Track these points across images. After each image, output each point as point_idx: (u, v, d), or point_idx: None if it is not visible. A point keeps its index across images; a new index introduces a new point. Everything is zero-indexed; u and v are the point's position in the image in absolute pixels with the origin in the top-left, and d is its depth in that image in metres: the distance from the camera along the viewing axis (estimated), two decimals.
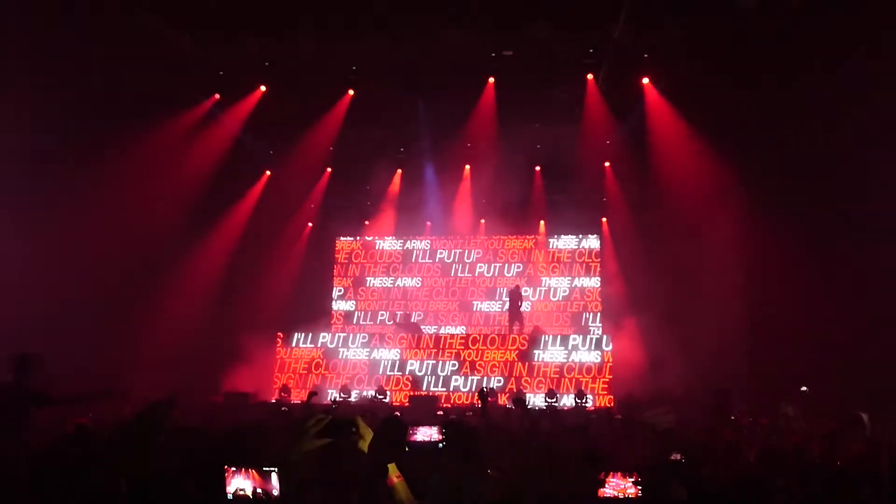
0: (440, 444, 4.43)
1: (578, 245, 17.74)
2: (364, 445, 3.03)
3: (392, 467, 2.95)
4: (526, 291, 16.98)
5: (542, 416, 9.99)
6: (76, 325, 11.70)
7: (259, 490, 3.23)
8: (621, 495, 3.91)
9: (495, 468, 4.27)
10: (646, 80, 14.27)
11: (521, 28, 12.89)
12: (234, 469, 3.31)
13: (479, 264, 17.99)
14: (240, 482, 3.28)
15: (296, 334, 15.42)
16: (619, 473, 3.97)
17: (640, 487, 3.89)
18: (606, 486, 3.96)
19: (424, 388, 14.26)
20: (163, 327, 13.91)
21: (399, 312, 17.81)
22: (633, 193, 16.90)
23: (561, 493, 4.16)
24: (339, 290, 18.35)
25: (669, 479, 4.14)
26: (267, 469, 3.24)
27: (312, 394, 11.06)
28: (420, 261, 18.22)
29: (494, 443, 5.74)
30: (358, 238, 18.75)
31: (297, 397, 13.77)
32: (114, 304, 12.90)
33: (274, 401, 13.79)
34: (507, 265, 17.88)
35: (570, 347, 14.28)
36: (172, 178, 14.42)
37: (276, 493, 3.21)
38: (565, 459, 4.83)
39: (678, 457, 4.73)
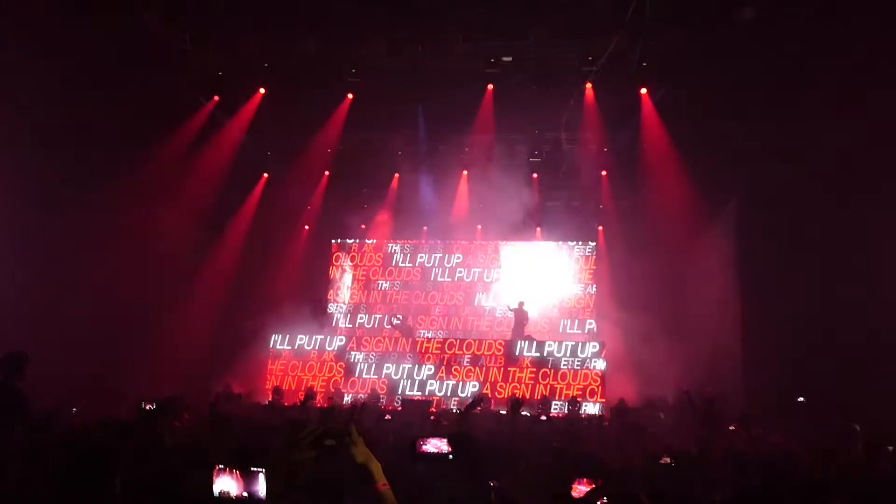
0: (450, 456, 4.42)
1: (574, 252, 17.77)
2: (356, 452, 2.98)
3: (379, 474, 2.90)
4: (526, 304, 16.93)
5: (536, 422, 9.99)
6: (87, 331, 11.74)
7: (245, 493, 3.16)
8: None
9: (496, 478, 4.28)
10: (643, 91, 14.38)
11: (521, 35, 12.96)
12: (220, 468, 3.24)
13: (468, 269, 17.97)
14: (225, 483, 3.23)
15: (273, 336, 15.32)
16: (585, 480, 3.93)
17: (604, 496, 3.85)
18: (573, 492, 3.93)
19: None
20: (167, 334, 13.99)
21: (388, 315, 17.77)
22: (628, 202, 16.97)
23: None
24: (336, 292, 18.32)
25: (636, 491, 4.13)
26: (254, 469, 3.16)
27: (309, 396, 11.02)
28: (416, 264, 18.21)
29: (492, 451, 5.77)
30: (355, 241, 18.75)
31: (289, 399, 13.73)
32: (123, 314, 12.97)
33: (267, 402, 13.75)
34: (503, 270, 17.88)
35: (563, 354, 14.26)
36: (181, 186, 14.56)
37: (261, 494, 3.11)
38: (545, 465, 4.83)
39: (667, 460, 4.74)
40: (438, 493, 3.60)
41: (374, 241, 18.67)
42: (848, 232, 11.73)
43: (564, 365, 14.03)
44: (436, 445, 5.15)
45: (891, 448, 6.76)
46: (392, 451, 5.34)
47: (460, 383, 14.14)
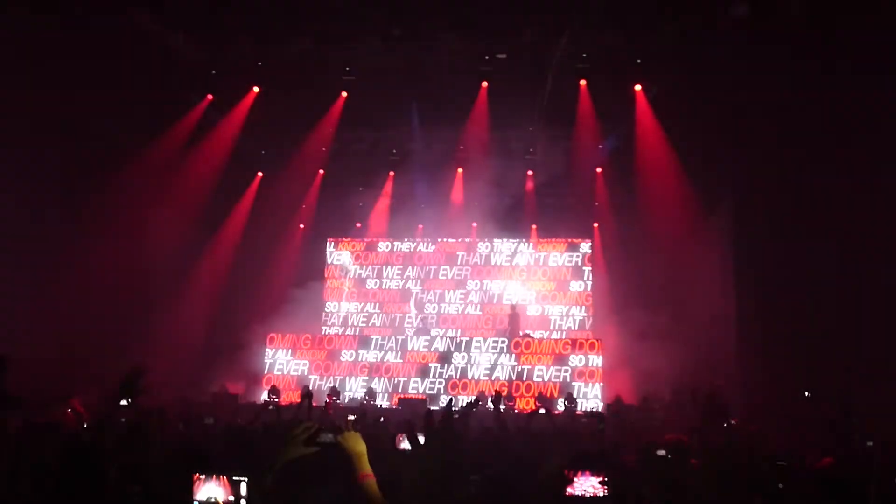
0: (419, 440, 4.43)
1: (570, 249, 17.76)
2: (346, 444, 3.02)
3: (365, 465, 2.96)
4: (524, 300, 16.90)
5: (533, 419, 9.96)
6: (81, 331, 11.71)
7: (231, 497, 3.23)
8: (588, 494, 3.90)
9: (477, 472, 4.28)
10: (638, 87, 14.40)
11: (515, 32, 12.96)
12: (203, 477, 3.30)
13: (463, 266, 17.96)
14: (211, 489, 3.28)
15: (269, 335, 15.17)
16: (588, 472, 3.95)
17: (606, 486, 3.89)
18: (574, 484, 3.95)
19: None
20: (162, 334, 13.96)
21: (395, 314, 17.78)
22: (623, 199, 16.98)
23: (529, 491, 4.16)
24: (331, 291, 18.28)
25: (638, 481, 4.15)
26: (237, 478, 3.25)
27: (306, 395, 10.91)
28: (412, 263, 18.18)
29: (483, 446, 5.77)
30: (349, 240, 18.73)
31: (286, 399, 13.70)
32: (117, 314, 12.94)
33: (263, 401, 13.71)
34: (497, 268, 17.84)
35: (559, 352, 14.25)
36: (175, 186, 14.55)
37: (244, 502, 3.22)
38: (538, 460, 4.83)
39: (663, 453, 4.75)
40: (413, 484, 3.63)
41: (369, 239, 18.65)
42: (846, 228, 11.74)
43: (577, 364, 13.97)
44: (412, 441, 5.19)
45: (870, 444, 6.77)
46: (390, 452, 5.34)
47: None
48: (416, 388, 14.22)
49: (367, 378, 14.52)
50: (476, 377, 14.15)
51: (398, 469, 3.87)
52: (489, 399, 12.91)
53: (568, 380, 13.82)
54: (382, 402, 13.97)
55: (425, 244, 18.20)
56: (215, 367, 14.68)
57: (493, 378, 14.04)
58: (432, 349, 14.68)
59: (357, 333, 16.90)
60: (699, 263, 15.17)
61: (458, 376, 14.18)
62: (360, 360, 14.78)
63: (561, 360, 14.08)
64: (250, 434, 6.43)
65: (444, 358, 14.43)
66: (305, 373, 14.77)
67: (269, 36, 13.33)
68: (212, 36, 13.49)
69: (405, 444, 5.33)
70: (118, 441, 4.71)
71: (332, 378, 14.61)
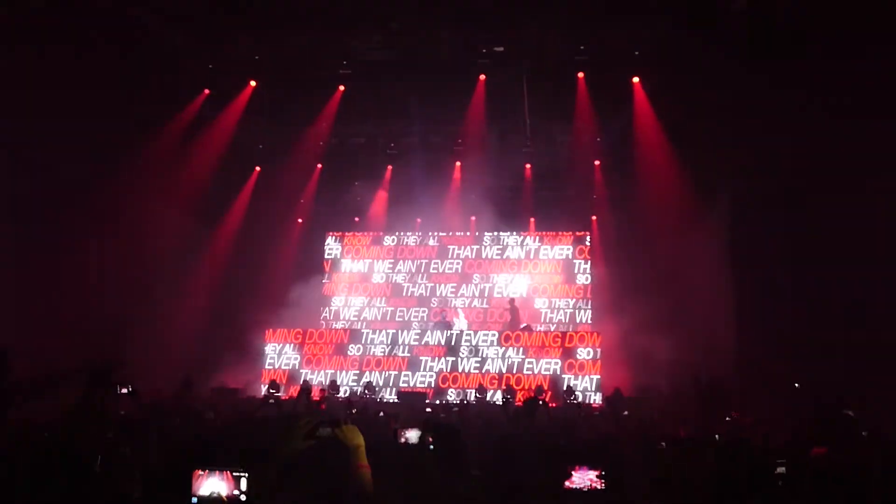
0: (430, 446, 4.47)
1: (568, 242, 17.76)
2: (343, 437, 3.08)
3: (362, 455, 3.03)
4: (524, 293, 16.95)
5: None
6: (81, 327, 11.72)
7: (235, 492, 3.33)
8: (586, 487, 3.96)
9: (478, 467, 4.32)
10: (636, 79, 14.38)
11: (513, 25, 12.93)
12: (206, 472, 3.37)
13: (461, 260, 17.98)
14: (214, 484, 3.35)
15: (267, 331, 15.22)
16: (586, 466, 4.00)
17: (604, 480, 3.94)
18: (573, 477, 4.00)
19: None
20: (161, 329, 13.98)
21: (394, 309, 17.79)
22: (621, 192, 16.98)
23: (528, 484, 4.20)
24: (329, 285, 18.28)
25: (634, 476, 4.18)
26: (237, 474, 3.35)
27: (306, 389, 10.99)
28: (411, 257, 18.18)
29: (480, 441, 5.79)
30: (348, 234, 18.73)
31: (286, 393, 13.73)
32: (116, 310, 12.95)
33: (263, 396, 13.74)
34: (501, 262, 17.84)
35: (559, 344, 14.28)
36: (173, 181, 14.59)
37: (243, 498, 3.33)
38: (535, 453, 4.86)
39: (663, 445, 4.78)
40: (417, 480, 3.69)
41: (368, 233, 18.65)
42: (844, 223, 11.76)
43: (576, 356, 14.02)
44: (416, 436, 5.23)
45: (864, 433, 6.80)
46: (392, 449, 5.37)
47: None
48: (408, 381, 14.25)
49: (357, 372, 14.53)
50: (467, 370, 14.18)
51: (408, 463, 3.91)
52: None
53: (558, 372, 13.85)
54: (387, 395, 13.99)
55: (429, 238, 18.20)
56: (215, 362, 14.71)
57: (483, 371, 14.07)
58: (423, 343, 14.69)
59: (360, 327, 16.87)
60: (697, 255, 15.19)
61: (448, 370, 14.21)
62: (367, 353, 14.77)
63: (559, 352, 14.11)
64: (251, 428, 6.46)
65: (453, 351, 14.45)
66: (297, 367, 14.79)
67: (265, 30, 13.30)
68: (208, 30, 13.45)
69: (411, 438, 5.34)
70: (117, 437, 4.73)
71: (322, 372, 14.63)
